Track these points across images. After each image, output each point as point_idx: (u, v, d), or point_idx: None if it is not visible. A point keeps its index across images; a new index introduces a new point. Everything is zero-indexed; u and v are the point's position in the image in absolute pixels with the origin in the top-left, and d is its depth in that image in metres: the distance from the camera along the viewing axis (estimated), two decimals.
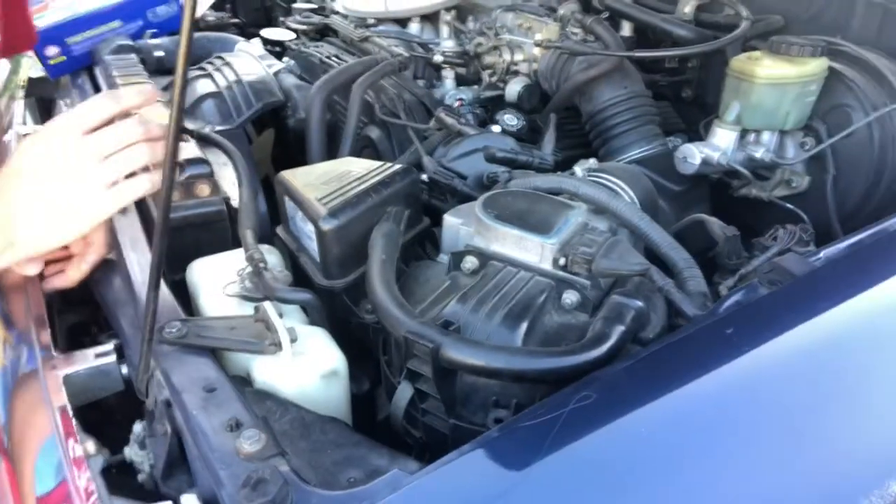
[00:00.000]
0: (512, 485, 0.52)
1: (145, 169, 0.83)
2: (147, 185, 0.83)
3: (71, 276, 0.91)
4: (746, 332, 0.64)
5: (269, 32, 1.73)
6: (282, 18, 1.85)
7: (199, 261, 0.91)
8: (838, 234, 1.05)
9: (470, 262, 0.78)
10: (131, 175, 0.83)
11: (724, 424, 0.58)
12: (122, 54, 1.46)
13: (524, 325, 0.70)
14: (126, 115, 0.85)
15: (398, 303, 0.71)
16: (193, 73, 1.37)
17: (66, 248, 0.93)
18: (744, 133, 1.09)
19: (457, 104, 1.28)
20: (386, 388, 0.81)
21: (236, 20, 2.11)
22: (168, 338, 0.73)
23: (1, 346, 0.85)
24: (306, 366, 0.74)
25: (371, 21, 1.60)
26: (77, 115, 0.82)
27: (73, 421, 0.70)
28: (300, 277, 0.91)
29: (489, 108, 1.33)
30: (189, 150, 1.03)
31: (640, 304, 0.69)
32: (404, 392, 0.72)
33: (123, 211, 0.99)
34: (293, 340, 0.74)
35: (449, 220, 0.86)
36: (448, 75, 1.41)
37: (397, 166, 0.90)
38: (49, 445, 0.69)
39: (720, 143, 1.08)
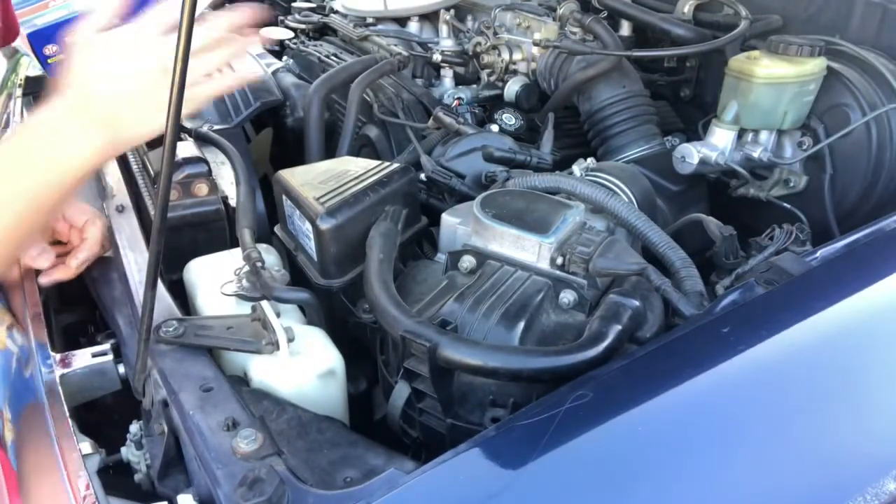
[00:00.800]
0: (508, 484, 0.52)
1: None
2: (231, 82, 0.80)
3: (70, 264, 0.91)
4: (742, 332, 0.64)
5: (268, 31, 1.73)
6: (281, 17, 1.85)
7: (196, 260, 0.91)
8: (836, 234, 1.05)
9: (467, 261, 0.78)
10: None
11: (720, 423, 0.58)
12: None
13: (521, 325, 0.70)
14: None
15: (395, 302, 0.71)
16: None
17: (64, 244, 0.93)
18: (742, 133, 1.09)
19: (455, 103, 1.28)
20: (383, 388, 0.81)
21: None
22: (165, 337, 0.73)
23: (3, 331, 0.85)
24: (303, 365, 0.74)
25: (370, 20, 1.60)
26: (151, 19, 0.77)
27: (70, 421, 0.69)
28: (298, 277, 0.91)
29: (488, 108, 1.33)
30: (187, 149, 1.03)
31: (636, 303, 0.69)
32: (401, 391, 0.72)
33: (121, 210, 0.99)
34: (290, 340, 0.74)
35: (447, 219, 0.86)
36: (447, 74, 1.41)
37: (395, 165, 0.90)
38: None
39: (718, 143, 1.08)
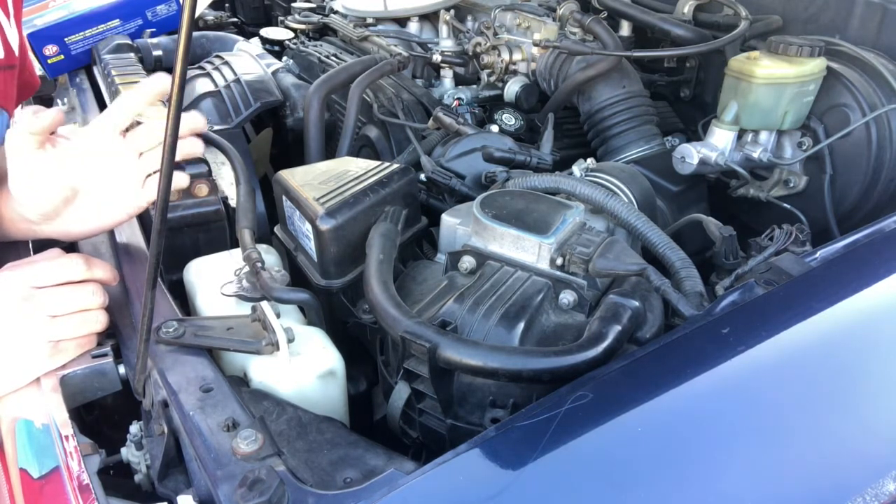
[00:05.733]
0: (508, 484, 0.52)
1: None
2: (91, 346, 0.79)
3: None
4: (742, 332, 0.64)
5: (268, 32, 1.73)
6: (281, 18, 1.85)
7: (196, 260, 0.91)
8: (835, 234, 1.05)
9: (467, 261, 0.78)
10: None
11: (719, 423, 0.58)
12: (121, 53, 1.46)
13: (521, 325, 0.70)
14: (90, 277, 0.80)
15: (395, 303, 0.71)
16: (192, 72, 1.37)
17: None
18: (742, 133, 1.09)
19: (455, 104, 1.28)
20: (383, 388, 0.81)
21: (235, 19, 2.11)
22: (165, 338, 0.73)
23: None
24: (303, 366, 0.74)
25: (370, 20, 1.61)
26: (34, 270, 0.77)
27: (70, 422, 0.69)
28: (298, 277, 0.91)
29: (487, 108, 1.33)
30: None
31: (636, 303, 0.69)
32: (401, 392, 0.72)
33: None
34: (290, 340, 0.74)
35: (446, 219, 0.86)
36: (447, 75, 1.41)
37: (395, 166, 0.90)
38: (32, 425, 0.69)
39: (718, 143, 1.08)
